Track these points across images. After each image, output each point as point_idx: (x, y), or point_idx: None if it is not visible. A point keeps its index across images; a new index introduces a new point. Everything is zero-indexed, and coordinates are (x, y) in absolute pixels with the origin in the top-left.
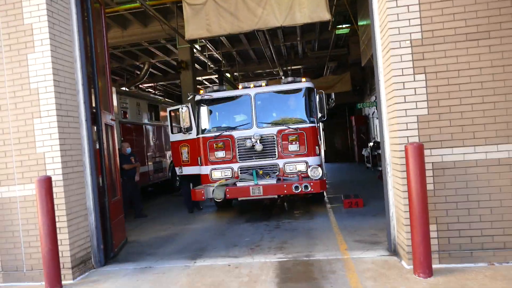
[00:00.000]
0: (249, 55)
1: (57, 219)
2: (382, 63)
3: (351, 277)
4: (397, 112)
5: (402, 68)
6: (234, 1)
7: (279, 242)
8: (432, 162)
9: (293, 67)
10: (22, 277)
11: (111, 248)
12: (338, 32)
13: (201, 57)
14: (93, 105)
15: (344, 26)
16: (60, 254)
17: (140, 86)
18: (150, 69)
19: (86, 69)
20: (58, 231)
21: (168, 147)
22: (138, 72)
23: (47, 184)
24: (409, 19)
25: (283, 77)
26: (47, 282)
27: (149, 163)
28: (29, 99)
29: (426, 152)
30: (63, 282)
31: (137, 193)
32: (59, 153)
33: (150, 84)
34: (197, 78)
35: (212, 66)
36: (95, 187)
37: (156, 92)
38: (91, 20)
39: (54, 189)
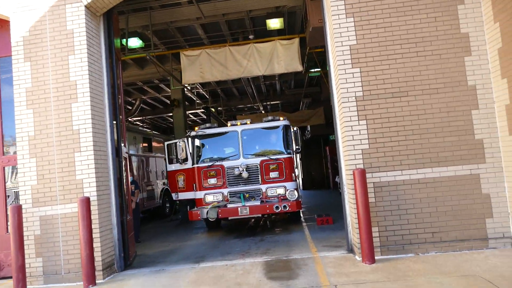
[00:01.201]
0: (233, 92)
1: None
2: (338, 111)
3: (318, 266)
4: (348, 147)
5: (350, 116)
6: (224, 53)
7: (264, 249)
8: (373, 182)
9: (272, 102)
10: (60, 279)
11: (127, 257)
12: (310, 74)
13: (189, 94)
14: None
15: (315, 70)
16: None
17: (129, 119)
18: (141, 105)
19: (112, 113)
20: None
21: (159, 176)
22: (130, 107)
23: (87, 203)
24: (354, 82)
25: (263, 111)
26: (85, 280)
27: (143, 191)
28: (71, 138)
29: (368, 175)
30: (96, 281)
31: (136, 217)
32: (94, 180)
33: (139, 118)
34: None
35: (199, 101)
36: (118, 207)
37: (144, 125)
38: (115, 74)
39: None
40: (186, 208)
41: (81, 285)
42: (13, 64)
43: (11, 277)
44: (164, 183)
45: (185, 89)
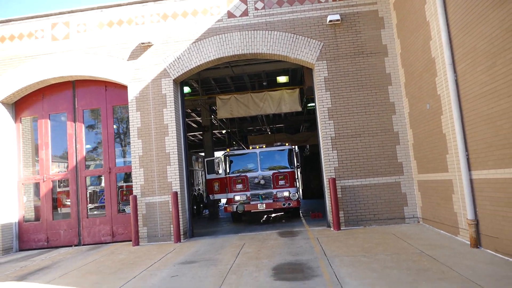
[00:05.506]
0: (245, 117)
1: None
2: (321, 144)
3: (308, 232)
4: (326, 165)
5: (328, 147)
6: (247, 98)
7: (276, 228)
8: (341, 186)
9: (277, 125)
10: (157, 240)
11: (192, 230)
12: (308, 108)
13: (213, 121)
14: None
15: (310, 105)
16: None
17: None
18: None
19: (185, 141)
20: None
21: (192, 184)
22: None
23: (176, 195)
24: (330, 128)
25: (269, 132)
26: (175, 239)
27: None
28: (165, 157)
29: (338, 181)
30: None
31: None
32: (178, 182)
33: None
34: None
35: (219, 125)
36: (189, 199)
37: None
38: (184, 118)
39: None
40: (213, 208)
41: (171, 243)
42: (130, 112)
43: (121, 241)
44: (193, 190)
45: (212, 118)
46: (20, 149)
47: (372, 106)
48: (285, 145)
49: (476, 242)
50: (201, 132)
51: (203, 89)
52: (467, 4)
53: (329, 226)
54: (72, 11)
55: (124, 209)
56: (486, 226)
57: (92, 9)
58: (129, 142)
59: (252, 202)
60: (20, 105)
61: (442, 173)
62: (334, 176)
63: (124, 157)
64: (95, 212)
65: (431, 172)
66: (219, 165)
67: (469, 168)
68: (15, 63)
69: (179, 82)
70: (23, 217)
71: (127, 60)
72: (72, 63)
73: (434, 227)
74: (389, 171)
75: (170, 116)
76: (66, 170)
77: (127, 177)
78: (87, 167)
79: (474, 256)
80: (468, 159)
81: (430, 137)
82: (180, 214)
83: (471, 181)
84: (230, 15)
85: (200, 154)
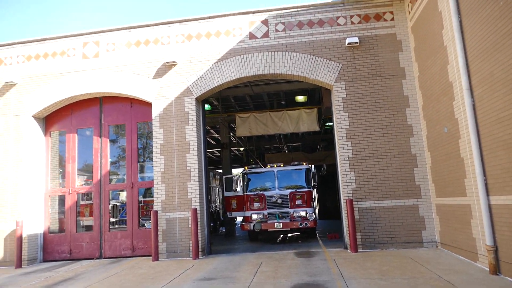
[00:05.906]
0: (263, 135)
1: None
2: (339, 165)
3: (325, 254)
4: (344, 186)
5: (345, 168)
6: (265, 116)
7: (292, 248)
8: (358, 207)
9: (294, 144)
10: (176, 255)
11: (210, 247)
12: (325, 127)
13: (232, 138)
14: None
15: (328, 124)
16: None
17: None
18: None
19: (205, 159)
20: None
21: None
22: None
23: (195, 211)
24: (348, 149)
25: (286, 151)
26: (194, 255)
27: None
28: (185, 174)
29: (355, 203)
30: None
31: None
32: (198, 199)
33: None
34: None
35: (237, 142)
36: (208, 216)
37: None
38: (205, 135)
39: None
40: (230, 225)
41: (190, 259)
42: (153, 129)
43: (141, 256)
44: (210, 207)
45: (231, 135)
46: (49, 162)
47: (389, 128)
48: (302, 164)
49: (496, 269)
50: (219, 149)
51: (223, 107)
52: (484, 31)
53: (346, 248)
54: (102, 31)
55: (144, 224)
56: (505, 252)
57: (121, 29)
58: (148, 157)
59: (269, 221)
60: (50, 119)
61: (460, 197)
62: (351, 197)
63: (142, 172)
64: (116, 226)
65: (449, 196)
66: (237, 183)
67: (487, 193)
68: (47, 80)
69: (201, 101)
70: (48, 228)
71: (152, 78)
72: (100, 80)
73: (453, 252)
74: (407, 193)
75: (191, 133)
76: (87, 183)
77: (146, 192)
78: (110, 181)
79: (492, 283)
80: (486, 184)
81: (448, 161)
82: (199, 230)
83: (489, 206)
84: (251, 36)
85: (217, 170)
